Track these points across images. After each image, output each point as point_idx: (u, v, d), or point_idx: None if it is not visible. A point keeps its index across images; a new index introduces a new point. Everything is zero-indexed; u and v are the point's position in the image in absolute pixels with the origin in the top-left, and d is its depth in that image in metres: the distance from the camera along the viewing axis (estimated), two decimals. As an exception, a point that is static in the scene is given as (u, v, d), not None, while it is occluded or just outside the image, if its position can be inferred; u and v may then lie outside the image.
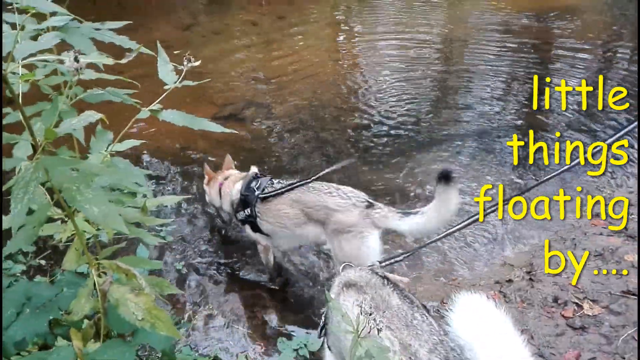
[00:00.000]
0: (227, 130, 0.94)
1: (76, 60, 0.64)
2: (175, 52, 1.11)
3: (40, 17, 1.00)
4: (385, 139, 3.98)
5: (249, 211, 2.55)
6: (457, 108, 4.48)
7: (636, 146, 3.66)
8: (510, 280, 2.66)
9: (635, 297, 2.42)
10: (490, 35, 5.90)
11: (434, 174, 3.43)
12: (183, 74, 0.95)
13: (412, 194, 3.36)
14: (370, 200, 2.37)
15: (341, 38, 6.26)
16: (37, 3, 0.96)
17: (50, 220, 0.97)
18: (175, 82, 0.90)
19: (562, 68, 5.15)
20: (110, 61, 0.71)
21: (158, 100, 0.90)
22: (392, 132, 4.07)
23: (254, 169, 2.71)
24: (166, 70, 0.90)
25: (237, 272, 2.84)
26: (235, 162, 3.00)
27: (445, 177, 2.15)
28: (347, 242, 2.36)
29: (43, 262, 2.55)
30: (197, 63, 0.99)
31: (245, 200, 2.57)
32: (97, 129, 0.92)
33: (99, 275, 0.87)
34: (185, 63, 0.97)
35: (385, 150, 3.84)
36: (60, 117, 0.84)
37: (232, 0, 7.54)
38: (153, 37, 5.88)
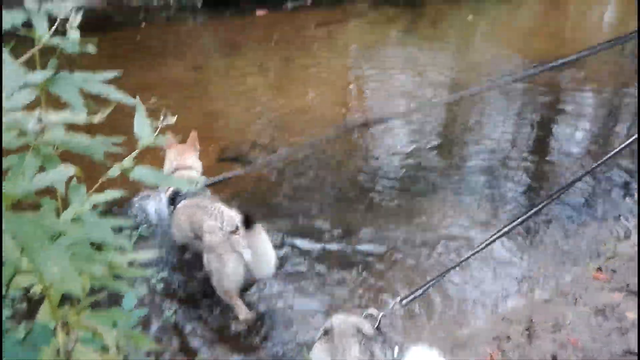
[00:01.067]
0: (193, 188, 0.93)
1: (39, 120, 0.65)
2: (152, 100, 1.12)
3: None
4: (389, 183, 3.99)
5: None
6: (463, 153, 4.49)
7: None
8: (508, 337, 2.59)
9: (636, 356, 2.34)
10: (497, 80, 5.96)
11: (435, 222, 3.49)
12: (158, 130, 0.96)
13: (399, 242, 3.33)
14: (239, 225, 2.53)
15: (349, 81, 6.36)
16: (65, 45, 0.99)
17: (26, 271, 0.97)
18: (151, 139, 0.90)
19: (571, 112, 5.18)
20: (81, 120, 0.72)
21: (131, 156, 0.91)
22: (396, 176, 4.08)
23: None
24: (142, 126, 0.91)
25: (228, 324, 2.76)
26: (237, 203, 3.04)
27: (246, 222, 2.39)
28: (210, 261, 2.64)
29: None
30: (173, 119, 1.00)
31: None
32: (71, 184, 0.92)
33: (67, 333, 0.86)
34: (161, 119, 0.99)
35: (387, 196, 3.84)
36: (42, 164, 0.84)
37: (242, 42, 7.74)
38: (164, 76, 6.04)
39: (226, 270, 2.56)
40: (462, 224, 3.51)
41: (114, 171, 0.85)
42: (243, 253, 2.52)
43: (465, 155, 4.49)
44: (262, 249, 2.47)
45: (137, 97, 0.93)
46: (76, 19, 0.97)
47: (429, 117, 5.23)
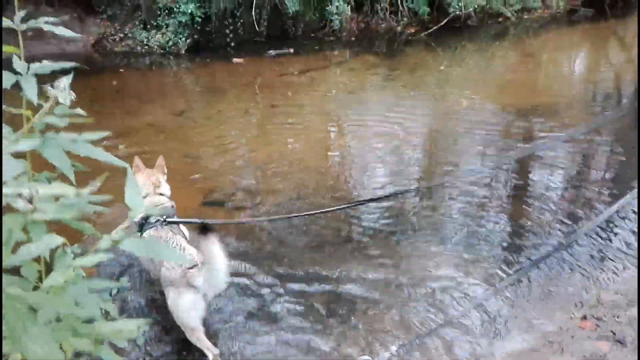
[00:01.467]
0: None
1: (30, 202, 0.63)
2: (120, 145, 1.10)
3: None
4: (371, 227, 3.98)
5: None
6: (442, 198, 4.53)
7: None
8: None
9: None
10: (474, 127, 6.11)
11: (415, 265, 3.49)
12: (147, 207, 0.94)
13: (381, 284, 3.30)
14: (196, 262, 2.55)
15: (331, 127, 6.44)
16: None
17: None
18: (141, 210, 0.88)
19: (544, 158, 5.31)
20: (71, 191, 0.70)
21: (121, 226, 0.89)
22: (378, 220, 4.08)
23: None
24: (133, 196, 0.89)
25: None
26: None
27: (203, 230, 2.41)
28: (168, 297, 2.61)
29: None
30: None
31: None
32: (57, 252, 0.89)
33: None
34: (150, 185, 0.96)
35: (368, 240, 3.83)
36: (27, 231, 0.81)
37: (227, 88, 7.85)
38: (146, 120, 6.04)
39: (184, 306, 2.56)
40: (446, 265, 3.50)
41: (105, 243, 0.82)
42: (198, 286, 2.52)
43: (444, 197, 4.53)
44: (214, 262, 2.43)
45: (129, 166, 0.92)
46: (67, 95, 0.96)
47: (407, 159, 5.30)
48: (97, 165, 0.99)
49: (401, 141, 5.74)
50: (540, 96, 7.54)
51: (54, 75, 1.20)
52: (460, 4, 11.91)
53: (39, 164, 1.07)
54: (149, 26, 9.67)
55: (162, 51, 9.51)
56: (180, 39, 9.59)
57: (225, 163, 5.09)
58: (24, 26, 0.99)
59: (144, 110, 6.57)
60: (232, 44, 10.18)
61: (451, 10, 11.87)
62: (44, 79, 1.18)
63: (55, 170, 0.96)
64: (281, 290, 3.26)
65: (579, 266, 3.56)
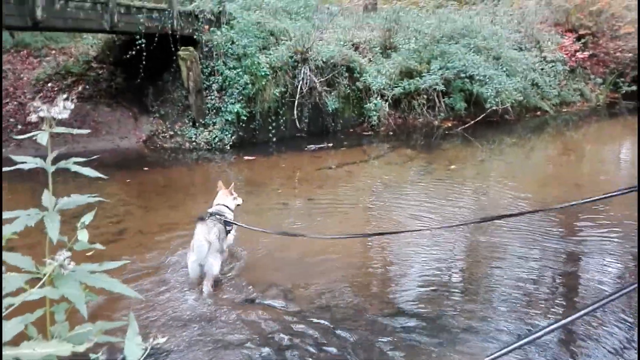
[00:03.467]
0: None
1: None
2: (159, 340, 1.11)
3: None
4: (404, 335, 3.80)
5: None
6: (483, 301, 4.33)
7: None
8: None
9: None
10: (517, 226, 5.97)
11: None
12: (145, 353, 0.96)
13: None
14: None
15: (369, 221, 6.43)
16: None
17: None
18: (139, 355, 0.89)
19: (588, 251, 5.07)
20: (66, 351, 0.73)
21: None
22: (413, 326, 3.90)
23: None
24: (133, 345, 0.91)
25: None
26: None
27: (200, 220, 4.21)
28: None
29: None
30: (163, 340, 1.00)
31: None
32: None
33: None
34: (151, 340, 0.99)
35: (407, 337, 3.64)
36: None
37: (266, 181, 8.10)
38: (189, 213, 6.23)
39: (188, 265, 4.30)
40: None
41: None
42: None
43: (489, 294, 4.33)
44: (194, 241, 4.11)
45: (131, 313, 0.94)
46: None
47: (448, 252, 5.18)
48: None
49: (441, 238, 5.65)
50: (584, 191, 7.37)
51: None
52: (497, 99, 12.17)
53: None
54: (197, 124, 10.30)
55: (208, 147, 10.04)
56: (226, 135, 10.14)
57: (262, 256, 5.11)
58: (53, 168, 1.08)
59: (188, 203, 6.81)
60: (274, 140, 10.65)
61: (488, 105, 12.13)
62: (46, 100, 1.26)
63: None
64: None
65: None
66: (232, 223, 4.69)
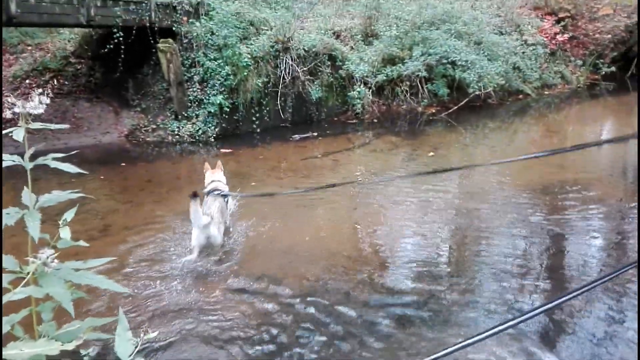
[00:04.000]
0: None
1: None
2: (152, 335, 1.11)
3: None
4: (396, 316, 3.84)
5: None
6: (473, 283, 4.38)
7: None
8: None
9: None
10: (503, 208, 6.05)
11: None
12: (136, 349, 0.95)
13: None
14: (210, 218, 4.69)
15: (355, 208, 6.45)
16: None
17: None
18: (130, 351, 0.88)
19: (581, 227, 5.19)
20: (54, 350, 0.71)
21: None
22: (404, 310, 3.94)
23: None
24: (123, 341, 0.90)
25: None
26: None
27: (193, 195, 4.36)
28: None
29: None
30: (154, 334, 0.99)
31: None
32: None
33: None
34: (141, 335, 0.98)
35: (393, 330, 3.68)
36: None
37: (252, 172, 8.04)
38: (173, 208, 6.19)
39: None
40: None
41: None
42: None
43: (477, 276, 4.39)
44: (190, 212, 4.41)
45: (121, 309, 0.93)
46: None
47: (435, 241, 5.22)
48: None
49: (427, 221, 5.70)
50: (567, 172, 7.47)
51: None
52: (479, 84, 12.23)
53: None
54: (179, 117, 10.19)
55: (192, 140, 9.94)
56: (209, 127, 10.04)
57: (250, 249, 5.10)
58: (31, 165, 1.06)
59: (172, 197, 6.75)
60: (258, 130, 10.58)
61: (471, 90, 12.18)
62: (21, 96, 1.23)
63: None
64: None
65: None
66: (229, 194, 5.29)
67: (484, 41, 13.22)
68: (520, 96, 14.11)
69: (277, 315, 3.90)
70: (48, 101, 1.12)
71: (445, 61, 12.12)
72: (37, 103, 1.09)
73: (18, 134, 1.08)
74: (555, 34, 15.74)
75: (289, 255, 4.94)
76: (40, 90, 1.13)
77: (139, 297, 4.09)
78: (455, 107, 12.17)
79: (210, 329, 3.70)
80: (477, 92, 12.25)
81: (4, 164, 1.11)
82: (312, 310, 3.96)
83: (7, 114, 1.09)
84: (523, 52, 14.39)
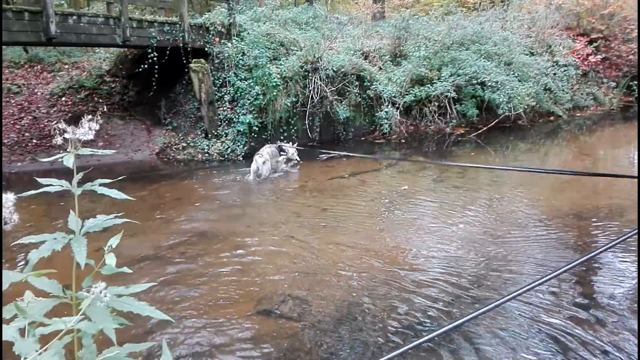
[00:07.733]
0: None
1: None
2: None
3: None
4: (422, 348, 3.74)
5: None
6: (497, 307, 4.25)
7: None
8: None
9: None
10: (531, 231, 5.90)
11: None
12: None
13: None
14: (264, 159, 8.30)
15: (382, 230, 6.38)
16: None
17: None
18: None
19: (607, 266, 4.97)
20: None
21: None
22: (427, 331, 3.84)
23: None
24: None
25: None
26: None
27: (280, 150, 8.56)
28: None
29: None
30: None
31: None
32: None
33: None
34: None
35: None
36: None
37: (279, 191, 8.08)
38: (196, 225, 6.23)
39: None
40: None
41: None
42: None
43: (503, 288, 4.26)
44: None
45: (164, 341, 0.93)
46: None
47: (462, 265, 5.11)
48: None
49: (455, 245, 5.59)
50: (600, 198, 7.26)
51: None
52: (509, 105, 12.08)
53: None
54: (209, 135, 10.35)
55: (221, 158, 10.07)
56: (238, 146, 10.17)
57: (275, 269, 5.08)
58: (79, 191, 1.08)
59: (199, 214, 6.82)
60: (286, 149, 10.66)
61: (500, 111, 12.05)
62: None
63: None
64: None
65: None
66: (285, 145, 9.18)
67: (514, 62, 13.11)
68: (551, 117, 13.88)
69: (301, 340, 3.85)
70: (97, 127, 1.15)
71: (474, 82, 12.05)
72: (87, 129, 1.12)
73: (68, 160, 1.10)
74: (588, 55, 15.50)
75: (315, 277, 4.90)
76: (89, 117, 1.16)
77: (178, 324, 4.05)
78: (485, 128, 12.04)
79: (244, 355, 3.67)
80: (507, 113, 12.10)
81: (53, 189, 1.13)
82: (338, 334, 3.90)
83: (59, 140, 1.12)
84: (554, 73, 14.20)
